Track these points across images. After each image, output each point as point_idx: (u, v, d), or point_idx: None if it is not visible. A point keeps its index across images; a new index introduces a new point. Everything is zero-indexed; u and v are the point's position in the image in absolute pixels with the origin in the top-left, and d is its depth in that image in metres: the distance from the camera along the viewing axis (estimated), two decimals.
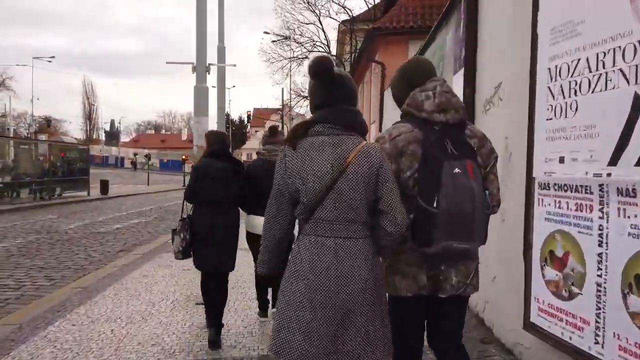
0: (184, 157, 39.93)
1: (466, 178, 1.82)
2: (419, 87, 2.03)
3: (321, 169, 1.83)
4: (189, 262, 3.89)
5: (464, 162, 1.85)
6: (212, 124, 15.55)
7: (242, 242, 3.97)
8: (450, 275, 1.97)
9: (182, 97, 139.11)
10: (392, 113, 11.84)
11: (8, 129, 45.20)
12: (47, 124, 58.57)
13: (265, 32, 29.08)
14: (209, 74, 10.12)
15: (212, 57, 10.65)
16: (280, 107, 40.16)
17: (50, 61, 44.96)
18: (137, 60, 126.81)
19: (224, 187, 3.61)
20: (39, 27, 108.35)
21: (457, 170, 1.82)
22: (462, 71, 4.52)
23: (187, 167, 39.63)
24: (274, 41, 28.08)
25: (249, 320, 4.24)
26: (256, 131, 76.45)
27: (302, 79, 48.22)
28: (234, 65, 11.24)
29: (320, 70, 1.94)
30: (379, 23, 12.82)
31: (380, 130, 12.54)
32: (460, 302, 2.08)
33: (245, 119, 64.14)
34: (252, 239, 4.01)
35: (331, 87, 1.94)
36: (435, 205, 1.80)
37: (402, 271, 1.99)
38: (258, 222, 3.52)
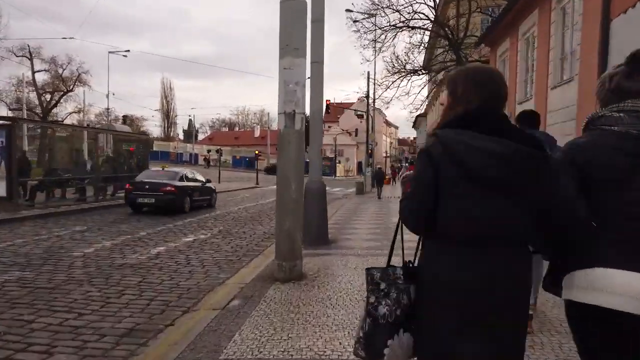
0: (256, 152, 36.69)
1: None
2: None
3: None
4: None
5: None
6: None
7: None
8: None
9: (253, 95, 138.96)
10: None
11: (73, 123, 43.97)
12: (123, 121, 57.87)
13: (348, 10, 24.13)
14: None
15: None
16: (364, 96, 34.94)
17: (125, 55, 43.43)
18: (211, 62, 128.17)
19: (513, 201, 1.50)
20: (119, 32, 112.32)
21: None
22: None
23: (259, 164, 36.08)
24: (355, 21, 22.98)
25: None
26: (329, 127, 71.97)
27: (401, 48, 42.69)
28: None
29: None
30: None
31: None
32: None
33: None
34: (581, 312, 1.59)
35: None
36: None
37: None
38: (617, 286, 1.48)
